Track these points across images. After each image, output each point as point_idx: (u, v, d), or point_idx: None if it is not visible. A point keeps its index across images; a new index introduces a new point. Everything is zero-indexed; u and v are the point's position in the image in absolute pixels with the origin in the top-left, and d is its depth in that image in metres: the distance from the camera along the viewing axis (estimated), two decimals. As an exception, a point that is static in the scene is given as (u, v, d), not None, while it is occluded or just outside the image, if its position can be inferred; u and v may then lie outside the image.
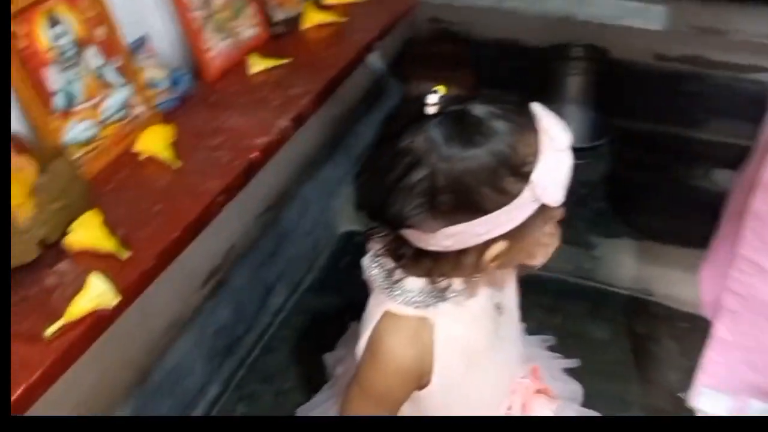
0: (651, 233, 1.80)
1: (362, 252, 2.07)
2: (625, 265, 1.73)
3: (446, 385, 0.83)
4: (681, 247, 1.76)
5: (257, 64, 1.31)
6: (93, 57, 1.10)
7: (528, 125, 0.71)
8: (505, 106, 0.71)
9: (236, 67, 1.33)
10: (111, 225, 0.97)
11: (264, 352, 1.74)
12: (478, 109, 0.69)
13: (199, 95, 1.25)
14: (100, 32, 1.10)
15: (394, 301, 0.80)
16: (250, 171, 1.08)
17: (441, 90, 0.70)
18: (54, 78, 1.04)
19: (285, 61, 1.32)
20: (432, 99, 0.69)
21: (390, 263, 0.82)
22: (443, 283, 0.78)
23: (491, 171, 0.68)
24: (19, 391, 0.76)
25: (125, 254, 0.92)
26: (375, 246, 0.85)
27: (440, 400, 0.86)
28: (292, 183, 1.72)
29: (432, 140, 0.68)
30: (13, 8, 0.98)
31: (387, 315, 0.80)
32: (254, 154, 1.09)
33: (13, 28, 0.98)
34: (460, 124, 0.69)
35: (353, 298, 1.83)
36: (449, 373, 0.82)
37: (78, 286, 0.88)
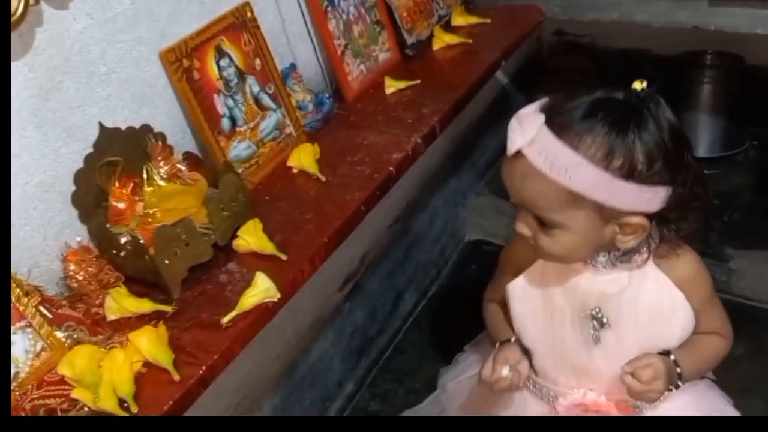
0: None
1: (487, 259, 2.14)
2: (763, 278, 1.69)
3: None
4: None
5: (391, 86, 1.43)
6: (252, 84, 1.25)
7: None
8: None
9: (372, 88, 1.46)
10: (270, 231, 1.11)
11: (395, 354, 1.84)
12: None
13: (340, 115, 1.38)
14: (257, 62, 1.26)
15: None
16: (388, 184, 1.19)
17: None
18: (221, 104, 1.20)
19: (416, 82, 1.43)
20: (638, 86, 0.85)
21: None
22: None
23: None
24: (202, 371, 0.91)
25: (284, 256, 1.06)
26: None
27: None
28: (420, 194, 1.82)
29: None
30: (190, 45, 1.15)
31: None
32: (391, 168, 1.20)
33: (188, 62, 1.15)
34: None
35: (477, 303, 1.91)
36: None
37: (246, 283, 1.03)
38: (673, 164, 0.85)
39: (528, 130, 0.83)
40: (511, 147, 0.85)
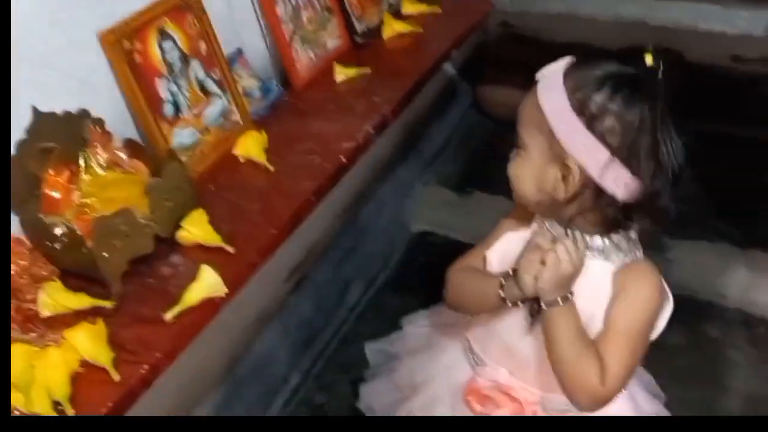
0: (726, 236, 1.80)
1: (433, 250, 2.14)
2: (700, 269, 1.74)
3: None
4: (757, 251, 1.75)
5: (341, 73, 1.40)
6: (196, 69, 1.20)
7: None
8: None
9: (321, 76, 1.42)
10: (215, 222, 1.06)
11: (341, 345, 1.82)
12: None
13: (288, 103, 1.34)
14: (202, 46, 1.21)
15: None
16: (339, 173, 1.17)
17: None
18: (164, 89, 1.15)
19: (367, 70, 1.40)
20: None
21: None
22: None
23: None
24: (144, 370, 0.87)
25: (231, 248, 1.02)
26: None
27: None
28: (368, 184, 1.80)
29: None
30: (131, 26, 1.09)
31: None
32: (342, 158, 1.17)
33: (129, 45, 1.10)
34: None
35: (423, 294, 1.91)
36: None
37: (190, 277, 0.98)
38: (626, 141, 0.86)
39: (555, 66, 0.92)
40: (539, 73, 0.94)
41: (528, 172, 0.94)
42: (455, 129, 2.28)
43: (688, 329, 1.58)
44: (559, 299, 0.90)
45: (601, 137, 0.86)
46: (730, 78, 2.00)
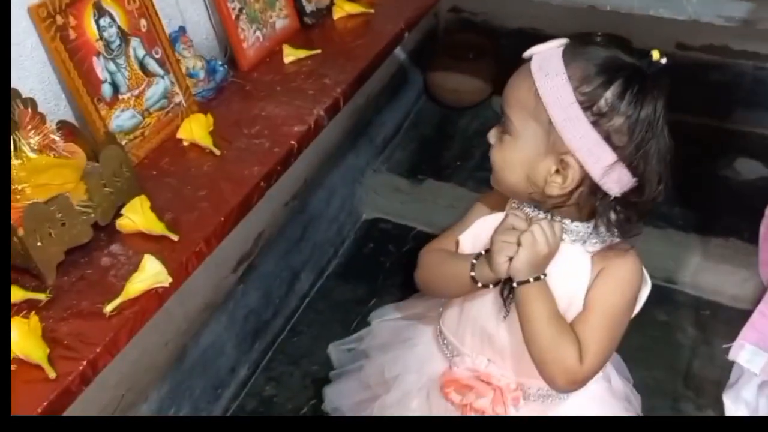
0: (674, 222, 1.83)
1: (383, 238, 2.12)
2: (648, 254, 1.76)
3: None
4: (703, 236, 1.78)
5: (290, 55, 1.35)
6: (136, 48, 1.14)
7: None
8: None
9: (269, 57, 1.37)
10: (158, 209, 1.01)
11: (290, 335, 1.79)
12: None
13: (234, 85, 1.29)
14: (143, 23, 1.14)
15: None
16: (289, 158, 1.12)
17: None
18: (101, 68, 1.08)
19: (317, 51, 1.36)
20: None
21: None
22: None
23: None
24: (82, 366, 0.81)
25: (175, 237, 0.96)
26: None
27: None
28: (318, 171, 1.76)
29: None
30: (64, 0, 1.02)
31: None
32: (292, 142, 1.13)
33: (63, 20, 1.02)
34: None
35: (373, 282, 1.88)
36: None
37: (132, 267, 0.93)
38: (633, 142, 0.83)
39: (549, 43, 0.87)
40: (528, 52, 0.88)
41: (517, 161, 0.90)
42: (406, 115, 2.26)
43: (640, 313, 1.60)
44: (531, 279, 0.88)
45: (608, 137, 0.83)
46: (674, 65, 2.03)
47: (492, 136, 0.94)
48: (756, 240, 1.71)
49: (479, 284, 0.94)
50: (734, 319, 1.66)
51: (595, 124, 0.83)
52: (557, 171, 0.87)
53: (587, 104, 0.82)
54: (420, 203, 2.03)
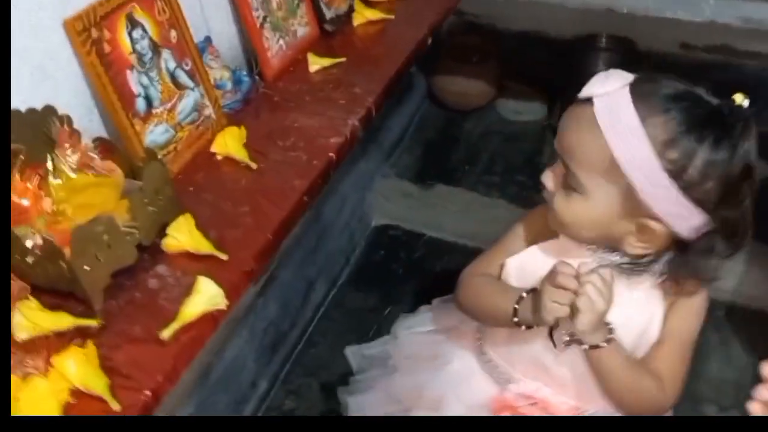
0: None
1: (394, 244, 2.09)
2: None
3: None
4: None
5: (316, 63, 1.32)
6: (167, 60, 1.10)
7: None
8: None
9: (293, 66, 1.34)
10: (201, 227, 0.98)
11: (307, 347, 1.77)
12: None
13: (262, 95, 1.26)
14: (173, 34, 1.11)
15: None
16: (329, 171, 1.10)
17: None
18: (135, 81, 1.04)
19: (342, 59, 1.33)
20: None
21: None
22: None
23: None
24: (145, 396, 0.78)
25: (225, 256, 0.93)
26: None
27: None
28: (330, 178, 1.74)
29: None
30: (99, 13, 0.98)
31: None
32: (331, 154, 1.11)
33: (98, 33, 0.99)
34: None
35: (387, 290, 1.86)
36: None
37: (182, 289, 0.90)
38: (725, 196, 0.79)
39: (610, 83, 0.79)
40: (585, 91, 0.80)
41: (588, 221, 0.85)
42: (411, 119, 2.24)
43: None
44: (603, 342, 0.86)
45: (699, 202, 0.78)
46: (679, 66, 2.04)
47: (549, 181, 0.88)
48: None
49: (523, 327, 0.91)
50: (750, 320, 1.68)
51: (685, 190, 0.77)
52: (637, 231, 0.83)
53: (676, 172, 0.76)
54: (430, 209, 2.01)
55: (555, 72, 2.13)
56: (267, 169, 1.10)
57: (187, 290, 0.89)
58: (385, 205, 2.05)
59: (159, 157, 1.07)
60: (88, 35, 0.97)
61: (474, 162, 2.13)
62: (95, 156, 0.97)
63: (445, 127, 2.26)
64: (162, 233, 0.97)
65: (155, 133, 1.08)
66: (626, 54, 2.00)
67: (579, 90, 2.24)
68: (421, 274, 1.91)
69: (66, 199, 0.93)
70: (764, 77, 2.07)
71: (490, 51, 2.21)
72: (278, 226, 0.99)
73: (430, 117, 2.28)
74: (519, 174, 2.07)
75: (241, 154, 1.12)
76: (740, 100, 0.79)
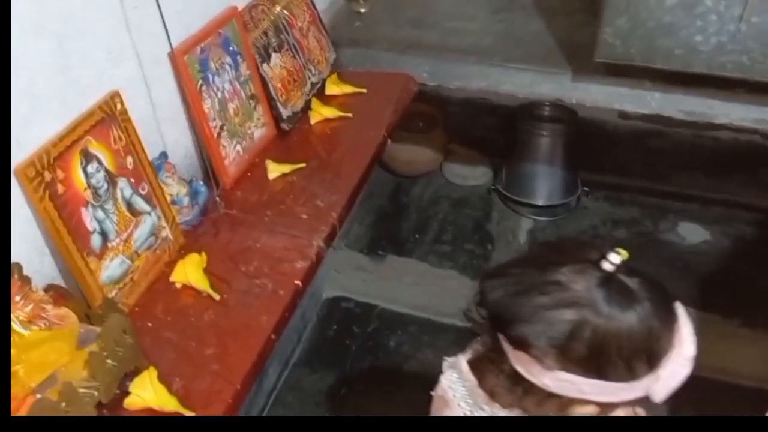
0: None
1: (347, 318, 2.06)
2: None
3: None
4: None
5: (274, 171, 1.29)
6: (123, 188, 1.05)
7: (672, 323, 0.75)
8: (661, 295, 0.75)
9: (250, 171, 1.31)
10: (165, 376, 0.93)
11: (262, 436, 1.71)
12: (640, 289, 0.73)
13: (222, 210, 1.22)
14: (129, 161, 1.06)
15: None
16: (295, 301, 1.06)
17: (624, 255, 0.74)
18: (90, 218, 0.99)
19: (301, 165, 1.30)
20: (615, 259, 0.73)
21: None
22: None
23: (634, 348, 0.72)
24: None
25: (190, 412, 0.89)
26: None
27: None
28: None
29: (594, 292, 0.72)
30: (52, 154, 0.93)
31: None
32: (297, 282, 1.08)
33: (51, 175, 0.93)
34: (624, 293, 0.72)
35: (341, 368, 1.83)
36: None
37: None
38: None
39: None
40: None
41: None
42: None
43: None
44: None
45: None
46: (618, 133, 2.10)
47: None
48: (710, 307, 1.79)
49: None
50: (701, 389, 1.73)
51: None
52: None
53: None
54: (383, 281, 2.00)
55: (500, 137, 2.16)
56: (231, 300, 1.06)
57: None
58: (337, 278, 2.03)
59: (114, 292, 1.02)
60: (41, 180, 0.91)
61: (424, 230, 2.13)
62: (48, 306, 0.91)
63: (394, 193, 2.25)
64: (123, 384, 0.91)
65: (111, 268, 1.02)
66: (568, 121, 2.04)
67: (523, 155, 2.24)
68: (375, 349, 1.89)
69: (18, 359, 0.87)
70: (699, 144, 2.15)
71: (436, 117, 2.21)
72: (247, 374, 0.95)
73: (380, 183, 2.26)
74: (468, 242, 2.08)
75: (202, 284, 1.07)
76: (617, 259, 0.74)
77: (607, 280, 0.72)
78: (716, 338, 1.78)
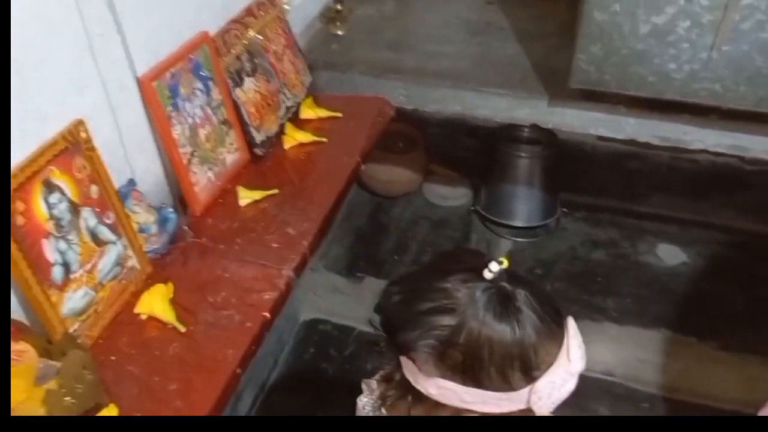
0: (606, 313, 1.88)
1: (324, 340, 2.05)
2: (585, 347, 1.80)
3: None
4: (639, 329, 1.84)
5: (246, 197, 1.27)
6: (88, 218, 1.03)
7: (557, 337, 0.75)
8: (547, 308, 0.74)
9: (222, 197, 1.29)
10: (125, 413, 0.91)
11: (236, 463, 1.68)
12: (523, 300, 0.73)
13: (189, 237, 1.20)
14: (94, 190, 1.04)
15: None
16: (263, 333, 1.05)
17: (505, 263, 0.74)
18: (52, 249, 0.97)
19: (274, 191, 1.29)
20: (494, 267, 0.73)
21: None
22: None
23: (507, 357, 0.72)
24: None
25: (153, 455, 0.87)
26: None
27: None
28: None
29: (474, 300, 0.72)
30: (12, 186, 0.91)
31: None
32: (265, 314, 1.06)
33: (12, 205, 0.91)
34: (503, 302, 0.72)
35: (319, 393, 1.81)
36: None
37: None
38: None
39: None
40: None
41: None
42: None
43: (576, 408, 1.65)
44: None
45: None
46: (596, 155, 2.11)
47: None
48: (687, 329, 1.80)
49: None
50: (678, 411, 1.73)
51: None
52: None
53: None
54: (361, 303, 1.98)
55: (480, 158, 2.16)
56: (197, 332, 1.04)
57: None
58: (315, 300, 2.01)
59: (76, 325, 1.00)
60: None
61: (403, 251, 2.12)
62: (6, 342, 0.89)
63: (373, 213, 2.24)
64: (83, 423, 0.89)
65: (74, 300, 1.00)
66: (547, 143, 2.04)
67: (503, 176, 2.24)
68: (351, 373, 1.87)
69: (-27, 398, 0.85)
70: (676, 166, 2.16)
71: (416, 138, 2.21)
72: (211, 410, 0.93)
73: (359, 203, 2.25)
74: (448, 264, 2.07)
75: (167, 316, 1.05)
76: (495, 268, 0.74)
77: (489, 289, 0.72)
78: (693, 361, 1.78)
